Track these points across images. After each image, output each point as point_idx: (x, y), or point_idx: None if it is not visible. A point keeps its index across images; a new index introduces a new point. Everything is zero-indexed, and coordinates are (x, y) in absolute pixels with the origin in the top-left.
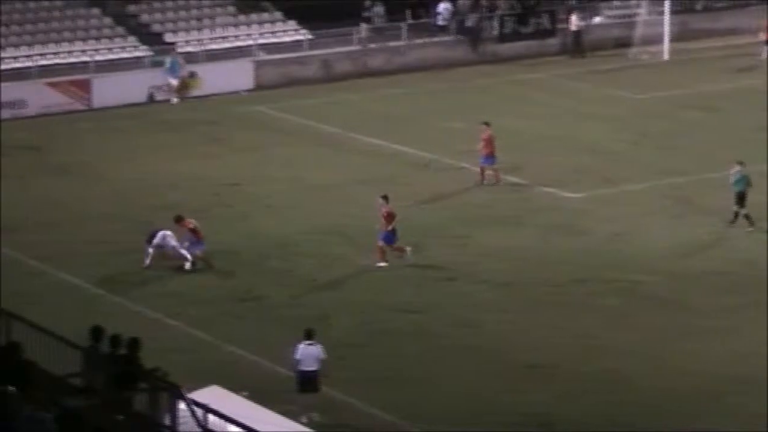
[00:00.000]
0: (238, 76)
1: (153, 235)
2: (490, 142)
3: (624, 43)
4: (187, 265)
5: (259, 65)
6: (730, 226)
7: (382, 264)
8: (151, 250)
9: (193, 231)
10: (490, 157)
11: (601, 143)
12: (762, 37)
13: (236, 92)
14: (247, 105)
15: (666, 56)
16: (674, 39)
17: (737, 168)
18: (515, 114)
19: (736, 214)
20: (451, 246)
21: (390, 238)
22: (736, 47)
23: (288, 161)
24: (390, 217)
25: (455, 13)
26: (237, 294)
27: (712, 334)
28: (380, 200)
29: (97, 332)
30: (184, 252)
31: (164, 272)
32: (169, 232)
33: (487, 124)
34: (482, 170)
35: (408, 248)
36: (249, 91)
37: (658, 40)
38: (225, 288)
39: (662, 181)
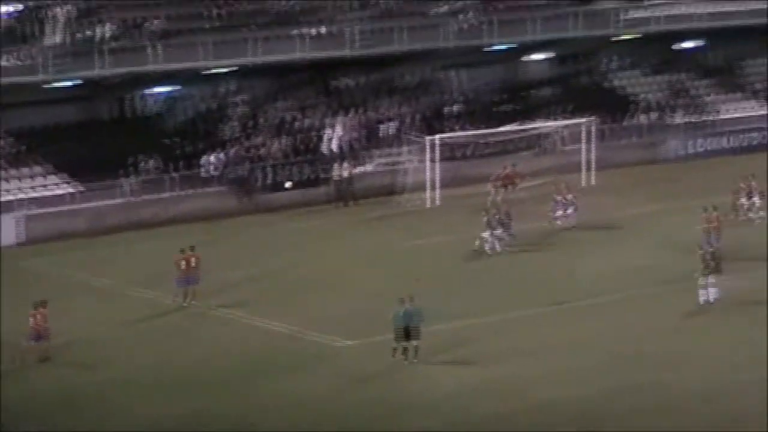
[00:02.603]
0: (6, 230)
1: None
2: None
3: (393, 191)
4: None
5: (29, 219)
6: (397, 359)
7: None
8: None
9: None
10: (186, 280)
11: (374, 289)
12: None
13: (8, 246)
14: (17, 259)
15: (433, 203)
16: (443, 185)
17: (402, 305)
18: (288, 262)
19: (395, 350)
20: (234, 395)
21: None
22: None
23: (60, 315)
24: None
25: (226, 164)
26: None
27: None
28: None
29: None
30: None
31: None
32: None
33: (191, 248)
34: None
35: None
36: (19, 244)
37: (425, 186)
38: None
39: (435, 327)
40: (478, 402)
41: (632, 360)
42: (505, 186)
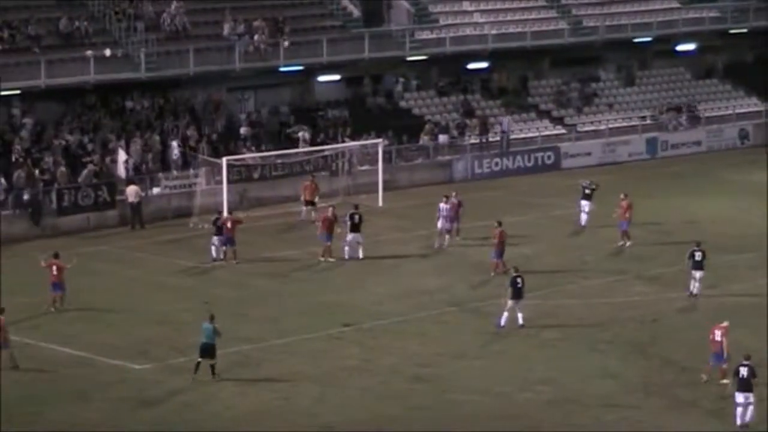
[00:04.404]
0: None
1: None
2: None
3: (184, 213)
4: None
5: None
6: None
7: None
8: None
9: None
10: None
11: (168, 313)
12: (302, 198)
13: None
14: None
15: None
16: (233, 207)
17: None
18: (80, 288)
19: (198, 365)
20: (21, 422)
21: None
22: (293, 214)
23: None
24: None
25: (11, 188)
26: None
27: None
28: None
29: None
30: None
31: None
32: None
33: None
34: None
35: None
36: None
37: (217, 208)
38: None
39: (230, 349)
40: (266, 424)
41: (422, 381)
42: (307, 203)
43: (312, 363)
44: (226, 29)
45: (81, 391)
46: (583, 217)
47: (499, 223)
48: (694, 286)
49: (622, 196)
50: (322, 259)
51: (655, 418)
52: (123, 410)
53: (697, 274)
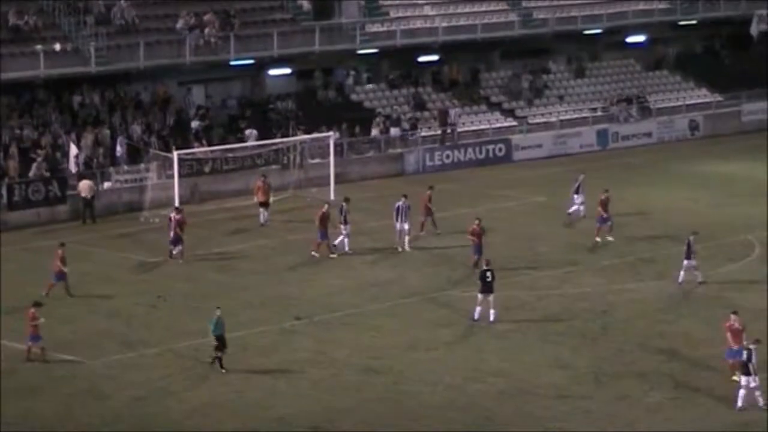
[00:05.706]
0: None
1: None
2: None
3: (135, 208)
4: None
5: None
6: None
7: None
8: None
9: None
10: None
11: (119, 307)
12: (255, 200)
13: None
14: None
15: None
16: (184, 201)
17: (217, 313)
18: (33, 282)
19: (215, 358)
20: None
21: None
22: (244, 208)
23: None
24: None
25: None
26: None
27: None
28: None
29: None
30: None
31: None
32: None
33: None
34: None
35: None
36: None
37: (168, 203)
38: None
39: (181, 344)
40: (219, 417)
41: (375, 373)
42: (261, 205)
43: (264, 356)
44: (180, 23)
45: (33, 386)
46: (580, 209)
47: (479, 220)
48: (691, 276)
49: (605, 194)
50: (334, 255)
51: (607, 408)
52: (75, 405)
53: (684, 263)
